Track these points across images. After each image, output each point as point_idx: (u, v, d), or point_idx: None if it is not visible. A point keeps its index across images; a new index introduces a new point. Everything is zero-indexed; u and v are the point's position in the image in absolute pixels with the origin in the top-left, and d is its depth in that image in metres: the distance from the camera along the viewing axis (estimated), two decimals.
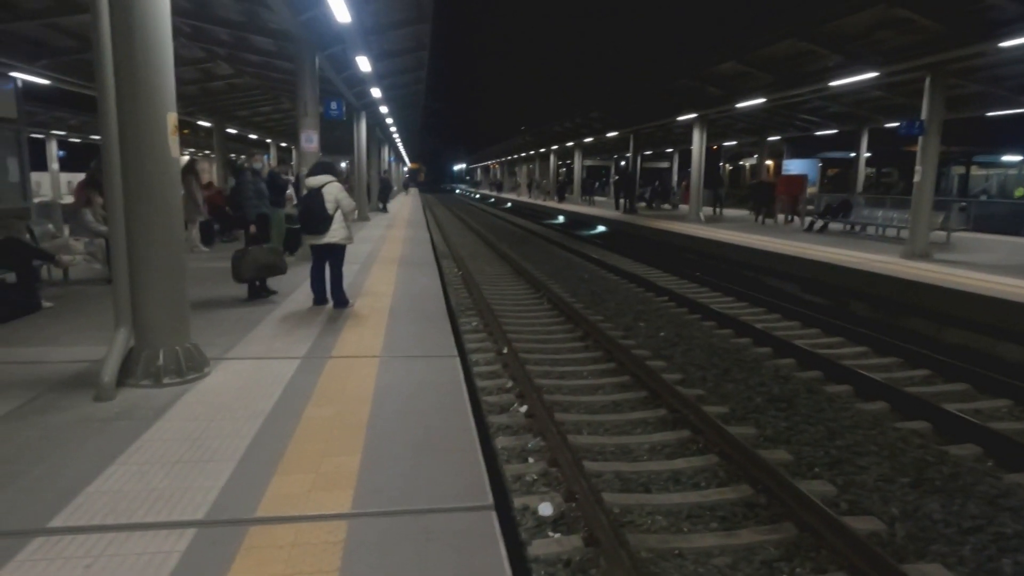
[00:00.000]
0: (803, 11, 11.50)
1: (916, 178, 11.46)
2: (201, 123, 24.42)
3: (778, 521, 4.07)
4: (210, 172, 23.47)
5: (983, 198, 28.29)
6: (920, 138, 11.24)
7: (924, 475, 4.76)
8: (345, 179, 24.96)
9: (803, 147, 31.30)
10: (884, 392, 6.32)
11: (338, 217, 6.63)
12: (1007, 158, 32.45)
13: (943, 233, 13.95)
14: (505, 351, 7.46)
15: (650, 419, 5.82)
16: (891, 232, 15.47)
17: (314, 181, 6.63)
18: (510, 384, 6.59)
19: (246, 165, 8.02)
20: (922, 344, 8.03)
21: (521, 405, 6.01)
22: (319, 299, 6.93)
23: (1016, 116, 17.52)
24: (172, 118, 4.12)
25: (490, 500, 2.73)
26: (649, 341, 8.43)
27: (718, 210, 24.43)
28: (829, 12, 10.65)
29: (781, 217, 20.66)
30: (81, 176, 10.04)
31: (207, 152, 32.54)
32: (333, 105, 11.02)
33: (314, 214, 6.51)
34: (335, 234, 6.64)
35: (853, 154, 22.69)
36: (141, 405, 3.81)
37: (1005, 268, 10.32)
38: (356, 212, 6.82)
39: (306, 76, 9.84)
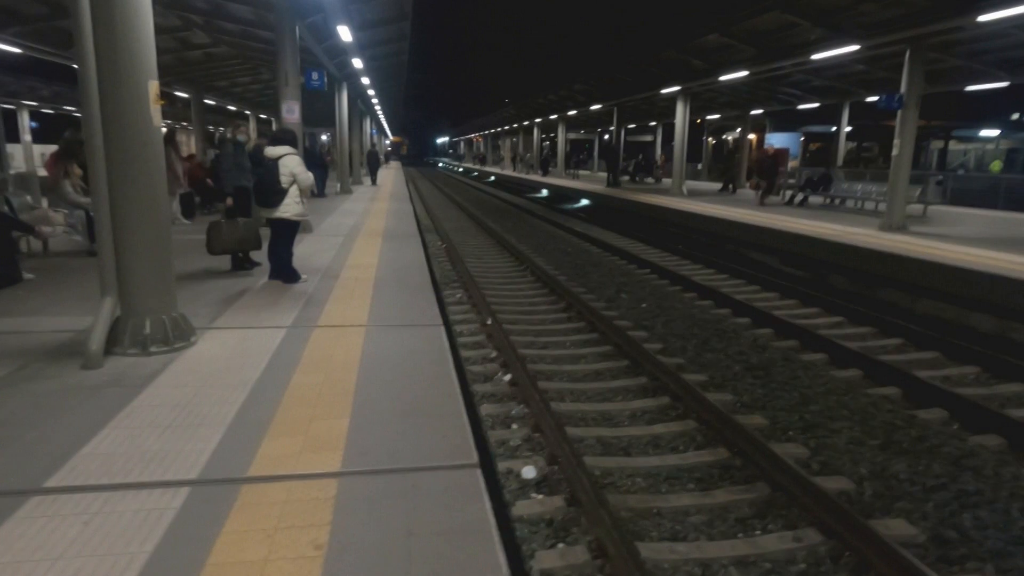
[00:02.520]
0: None
1: (894, 152, 11.62)
2: (179, 94, 23.94)
3: (752, 482, 4.22)
4: (188, 144, 23.09)
5: (960, 172, 28.71)
6: (899, 112, 11.37)
7: (893, 438, 4.95)
8: (327, 151, 24.73)
9: (785, 121, 31.45)
10: (857, 360, 6.50)
11: (293, 192, 6.36)
12: (985, 133, 32.88)
13: (920, 206, 14.20)
14: (489, 322, 7.55)
15: (631, 387, 5.96)
16: (869, 205, 15.69)
17: (272, 151, 6.34)
18: (494, 354, 6.69)
19: (228, 137, 7.93)
20: (896, 314, 8.24)
21: (505, 374, 6.11)
22: (274, 273, 6.70)
23: (994, 91, 17.75)
24: (154, 86, 4.10)
25: (475, 459, 2.84)
26: (631, 312, 8.56)
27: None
28: None
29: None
30: (53, 148, 9.86)
31: (185, 124, 31.93)
32: (314, 76, 10.87)
33: (267, 186, 6.22)
34: (287, 209, 6.35)
35: (835, 128, 22.86)
36: (130, 373, 3.86)
37: (977, 240, 10.56)
38: (313, 189, 6.58)
39: (286, 46, 9.70)
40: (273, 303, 5.75)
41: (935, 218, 14.10)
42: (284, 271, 6.53)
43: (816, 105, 22.67)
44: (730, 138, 38.76)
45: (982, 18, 9.06)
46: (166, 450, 2.89)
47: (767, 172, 18.28)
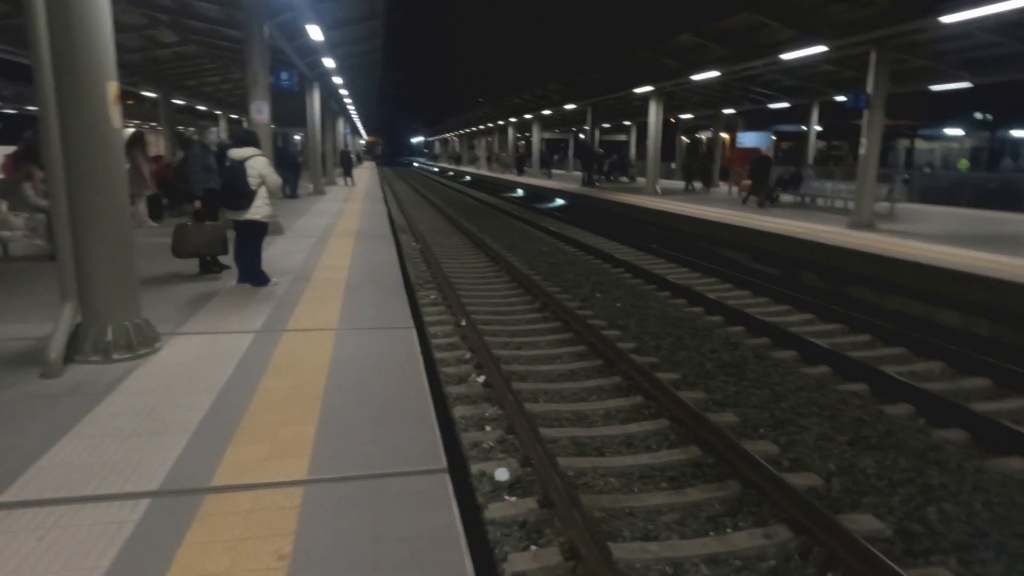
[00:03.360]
0: None
1: (861, 151, 11.82)
2: (146, 93, 23.48)
3: (724, 479, 4.26)
4: (157, 145, 22.65)
5: (927, 170, 29.33)
6: (865, 111, 11.56)
7: (861, 433, 5.03)
8: (300, 152, 24.47)
9: (757, 120, 31.85)
10: (827, 357, 6.60)
11: (262, 193, 6.28)
12: (949, 131, 33.69)
13: (887, 204, 14.47)
14: (463, 323, 7.52)
15: (605, 386, 5.98)
16: (839, 203, 15.95)
17: (237, 153, 6.24)
18: (468, 355, 6.67)
19: (195, 138, 7.77)
20: (864, 310, 8.38)
21: (479, 375, 6.09)
22: (243, 276, 6.55)
23: (957, 91, 18.16)
24: (113, 87, 3.99)
25: (444, 464, 2.81)
26: (606, 311, 8.59)
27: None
28: None
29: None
30: (12, 149, 9.60)
31: (153, 124, 31.34)
32: (284, 75, 10.72)
33: (236, 188, 6.12)
34: (257, 210, 6.26)
35: (804, 127, 23.20)
36: (91, 381, 3.75)
37: (941, 237, 10.78)
38: (286, 189, 6.68)
39: (255, 45, 9.54)
40: (242, 307, 5.65)
41: (902, 216, 14.38)
42: (253, 274, 6.43)
43: (787, 105, 22.99)
44: (704, 137, 39.16)
45: (944, 19, 9.25)
46: (127, 460, 2.81)
47: (761, 173, 17.37)
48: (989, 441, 4.84)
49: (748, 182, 17.65)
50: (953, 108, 30.44)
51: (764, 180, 17.41)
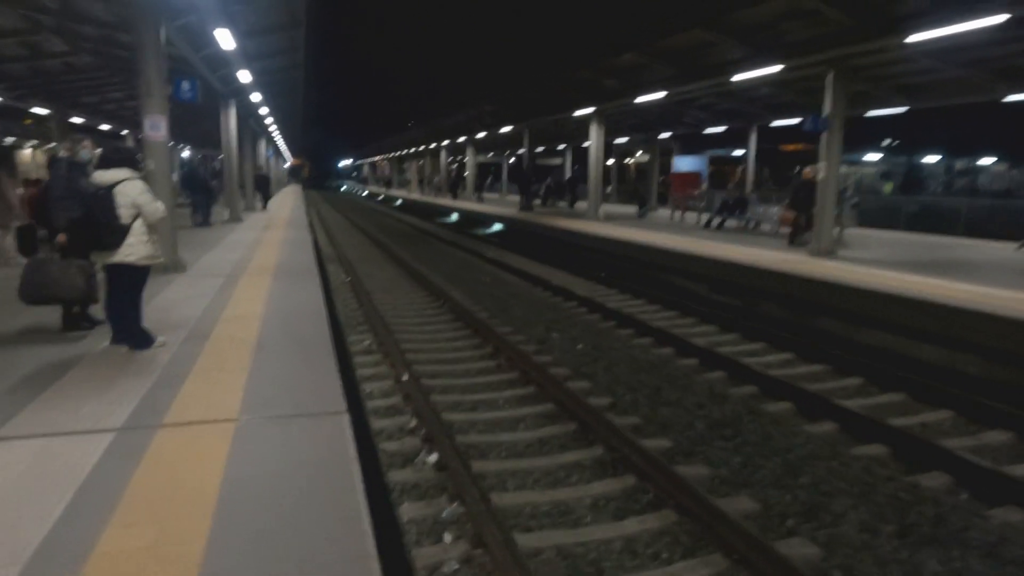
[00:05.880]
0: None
1: (819, 175, 11.34)
2: (36, 110, 21.07)
3: None
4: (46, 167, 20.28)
5: (849, 193, 30.22)
6: (823, 135, 11.09)
7: (907, 520, 4.09)
8: (215, 175, 22.44)
9: (690, 144, 32.02)
10: (827, 409, 5.74)
11: (138, 228, 4.88)
12: (869, 157, 35.02)
13: (836, 229, 14.14)
14: (405, 378, 6.28)
15: (585, 461, 4.88)
16: (785, 229, 15.58)
17: (103, 177, 4.82)
18: (413, 422, 5.43)
19: (63, 154, 6.19)
20: (849, 349, 7.63)
21: (430, 453, 4.87)
22: (118, 336, 5.08)
23: (874, 117, 18.36)
24: None
25: None
26: (567, 356, 7.53)
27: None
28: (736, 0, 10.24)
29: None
30: None
31: (52, 144, 28.45)
32: (185, 85, 9.18)
33: (99, 222, 4.66)
34: (132, 250, 4.83)
35: (738, 152, 23.18)
36: None
37: (914, 265, 10.27)
38: (165, 221, 5.31)
39: (147, 49, 8.02)
40: (107, 384, 4.17)
41: (852, 241, 14.07)
42: (130, 333, 4.94)
43: (722, 129, 22.92)
44: (631, 162, 39.31)
45: (911, 39, 8.80)
46: None
47: (805, 203, 12.65)
48: None
49: (791, 214, 13.28)
50: (871, 134, 31.61)
51: (810, 211, 12.60)
